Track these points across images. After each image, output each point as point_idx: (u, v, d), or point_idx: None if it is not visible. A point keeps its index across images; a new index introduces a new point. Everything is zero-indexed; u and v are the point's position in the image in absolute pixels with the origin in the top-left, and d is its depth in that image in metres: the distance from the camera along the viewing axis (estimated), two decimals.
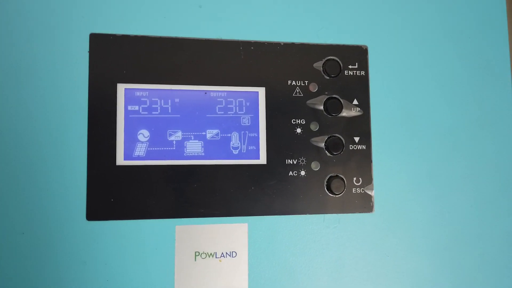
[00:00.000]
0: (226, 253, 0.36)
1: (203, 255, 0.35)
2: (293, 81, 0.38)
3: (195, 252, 0.35)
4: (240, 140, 0.37)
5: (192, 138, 0.37)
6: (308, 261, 0.37)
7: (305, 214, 0.37)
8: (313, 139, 0.38)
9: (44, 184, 0.34)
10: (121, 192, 0.35)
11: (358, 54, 0.39)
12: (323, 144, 0.38)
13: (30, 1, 0.35)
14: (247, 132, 0.38)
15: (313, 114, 0.38)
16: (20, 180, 0.34)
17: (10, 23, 0.35)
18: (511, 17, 0.64)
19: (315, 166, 0.38)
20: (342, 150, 0.38)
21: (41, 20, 0.35)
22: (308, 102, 0.38)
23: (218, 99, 0.37)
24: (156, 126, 0.36)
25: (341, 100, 0.39)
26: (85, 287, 0.34)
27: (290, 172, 0.37)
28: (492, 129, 0.41)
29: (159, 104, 0.37)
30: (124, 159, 0.35)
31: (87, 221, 0.34)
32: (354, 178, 0.38)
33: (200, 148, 0.37)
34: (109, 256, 0.34)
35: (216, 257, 0.35)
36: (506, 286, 0.39)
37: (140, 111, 0.36)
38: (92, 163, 0.35)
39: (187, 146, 0.37)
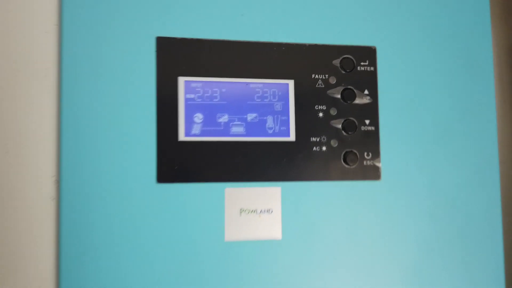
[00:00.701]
0: (265, 210, 0.45)
1: (246, 212, 0.45)
2: (316, 75, 0.48)
3: (240, 209, 0.45)
4: (274, 122, 0.47)
5: (236, 120, 0.46)
6: (328, 217, 0.46)
7: (326, 180, 0.47)
8: (332, 121, 0.48)
9: (126, 156, 0.43)
10: (183, 161, 0.44)
11: (369, 53, 0.49)
12: (340, 125, 0.48)
13: (110, 11, 0.45)
14: (279, 115, 0.47)
15: (332, 102, 0.48)
16: (107, 152, 0.43)
17: (95, 30, 0.44)
18: (494, 18, 0.74)
19: (334, 143, 0.47)
20: (355, 131, 0.48)
21: (119, 27, 0.45)
22: (328, 92, 0.48)
23: (256, 89, 0.47)
24: (208, 110, 0.46)
25: (354, 90, 0.48)
26: (153, 234, 0.43)
27: (314, 147, 0.47)
28: (477, 115, 0.50)
29: (210, 93, 0.46)
30: (185, 136, 0.45)
31: (157, 183, 0.44)
32: (365, 153, 0.48)
33: (242, 128, 0.46)
34: (174, 210, 0.44)
35: (256, 213, 0.45)
36: (484, 235, 0.48)
37: (196, 98, 0.46)
38: (160, 139, 0.44)
39: (232, 126, 0.46)
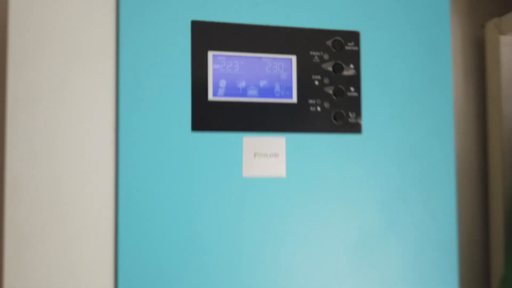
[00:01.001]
0: (273, 154, 0.59)
1: (259, 155, 0.59)
2: (313, 52, 0.62)
3: (254, 152, 0.59)
4: (280, 88, 0.61)
5: (251, 86, 0.60)
6: (321, 161, 0.60)
7: (320, 133, 0.61)
8: (325, 88, 0.62)
9: (169, 110, 0.57)
10: (211, 116, 0.58)
11: (354, 36, 0.63)
12: (331, 91, 0.62)
13: (158, 0, 0.58)
14: (284, 83, 0.61)
15: (326, 73, 0.62)
16: (156, 108, 0.57)
17: (146, 15, 0.58)
18: (458, 13, 0.89)
19: (326, 105, 0.61)
20: (343, 96, 0.62)
21: (164, 12, 0.58)
22: (322, 65, 0.62)
23: (267, 62, 0.61)
24: (230, 78, 0.60)
25: (342, 64, 0.62)
26: (188, 170, 0.57)
27: (311, 108, 0.61)
28: (436, 86, 0.64)
29: (232, 65, 0.60)
30: (212, 96, 0.59)
31: (192, 131, 0.57)
32: (350, 113, 0.62)
33: (256, 92, 0.60)
34: (204, 152, 0.57)
35: (267, 157, 0.59)
36: (439, 177, 0.63)
37: (221, 69, 0.59)
38: (194, 98, 0.58)
39: (248, 90, 0.60)
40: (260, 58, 0.60)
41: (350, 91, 0.62)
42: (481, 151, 0.81)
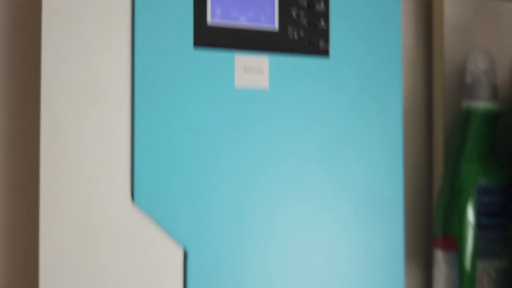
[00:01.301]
0: (258, 69, 0.74)
1: (248, 70, 0.73)
2: None
3: (244, 67, 0.73)
4: (265, 17, 0.75)
5: (242, 15, 0.74)
6: (294, 73, 0.75)
7: (296, 54, 0.75)
8: (301, 20, 0.76)
9: (176, 29, 0.70)
10: (210, 35, 0.72)
11: None
12: (306, 23, 0.76)
13: None
14: (268, 15, 0.75)
15: (302, 8, 0.76)
16: (166, 31, 0.70)
17: None
18: None
19: (301, 33, 0.76)
20: (315, 26, 0.77)
21: None
22: (299, 1, 0.76)
23: None
24: (224, 9, 0.74)
25: (315, 2, 0.77)
26: (190, 80, 0.71)
27: (290, 35, 0.76)
28: (388, 26, 0.80)
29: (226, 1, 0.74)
30: (211, 22, 0.73)
31: (194, 47, 0.71)
32: (320, 40, 0.77)
33: (246, 20, 0.74)
34: (204, 65, 0.71)
35: (253, 72, 0.73)
36: (385, 102, 0.79)
37: (217, 4, 0.73)
38: (196, 23, 0.72)
39: (239, 18, 0.74)
40: None
41: (320, 23, 0.77)
42: (427, 84, 0.98)
